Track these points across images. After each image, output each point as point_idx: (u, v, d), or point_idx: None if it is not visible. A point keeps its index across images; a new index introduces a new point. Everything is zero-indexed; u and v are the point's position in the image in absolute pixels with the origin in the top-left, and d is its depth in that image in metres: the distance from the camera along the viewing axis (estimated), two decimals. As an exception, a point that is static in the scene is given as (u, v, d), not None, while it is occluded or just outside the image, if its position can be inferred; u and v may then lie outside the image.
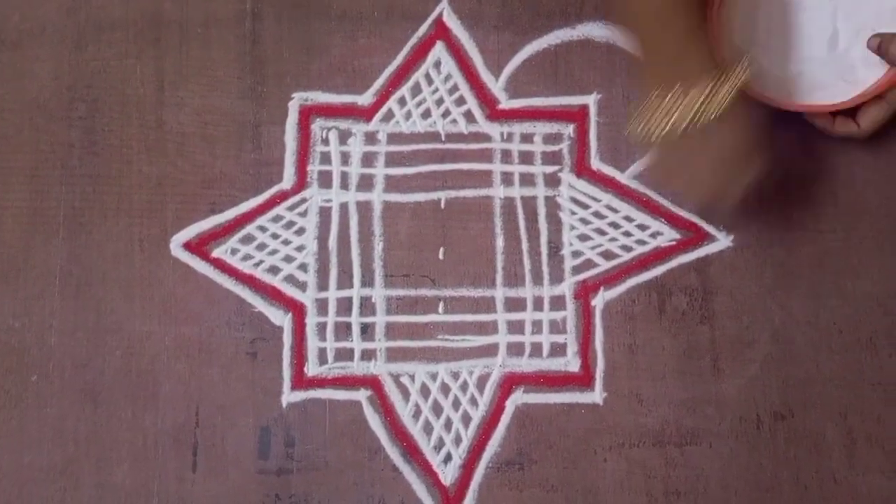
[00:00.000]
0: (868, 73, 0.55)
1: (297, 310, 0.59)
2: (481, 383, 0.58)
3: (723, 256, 0.58)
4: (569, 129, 0.60)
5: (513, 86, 0.61)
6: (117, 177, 0.60)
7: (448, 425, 0.57)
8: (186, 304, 0.58)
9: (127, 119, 0.61)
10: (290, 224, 0.60)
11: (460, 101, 0.61)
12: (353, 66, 0.61)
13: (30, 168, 0.60)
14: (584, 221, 0.59)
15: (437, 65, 0.61)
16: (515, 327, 0.58)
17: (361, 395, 0.57)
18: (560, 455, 0.56)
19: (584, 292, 0.59)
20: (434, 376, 0.58)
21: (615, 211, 0.59)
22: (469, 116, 0.61)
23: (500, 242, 0.59)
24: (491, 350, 0.58)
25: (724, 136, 0.49)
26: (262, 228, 0.60)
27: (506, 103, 0.61)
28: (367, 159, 0.60)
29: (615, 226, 0.59)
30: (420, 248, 0.59)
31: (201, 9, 0.62)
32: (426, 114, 0.61)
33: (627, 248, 0.59)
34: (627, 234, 0.59)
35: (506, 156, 0.60)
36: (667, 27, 0.49)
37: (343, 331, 0.58)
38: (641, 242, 0.59)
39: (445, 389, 0.58)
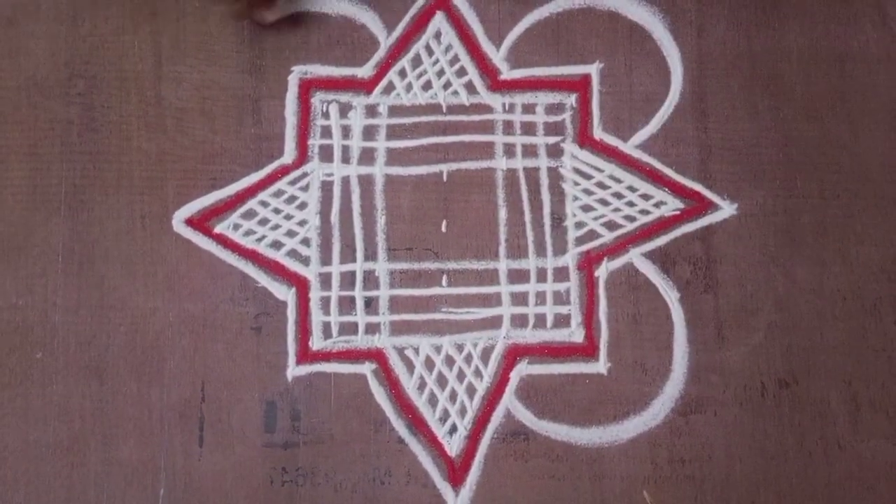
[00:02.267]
0: None
1: (301, 284, 0.58)
2: (485, 355, 0.58)
3: (726, 225, 0.58)
4: (571, 99, 0.60)
5: (514, 56, 0.60)
6: (117, 153, 0.60)
7: (453, 397, 0.57)
8: (190, 280, 0.58)
9: (125, 95, 0.60)
10: (292, 199, 0.59)
11: (461, 72, 0.60)
12: (352, 39, 0.61)
13: (29, 146, 0.60)
14: (587, 192, 0.59)
15: (438, 35, 0.61)
16: (519, 299, 0.58)
17: (366, 368, 0.57)
18: (565, 425, 0.56)
19: (588, 263, 0.58)
20: (438, 349, 0.58)
21: (618, 181, 0.59)
22: (470, 87, 0.60)
23: (502, 214, 0.59)
24: (495, 322, 0.58)
25: None
26: (264, 203, 0.59)
27: (507, 74, 0.60)
28: (369, 132, 0.60)
29: (618, 196, 0.59)
30: (423, 222, 0.59)
31: (198, -18, 0.61)
32: (427, 85, 0.60)
33: (631, 218, 0.59)
34: (631, 203, 0.59)
35: (508, 127, 0.60)
36: None
37: (347, 305, 0.58)
38: (645, 212, 0.59)
39: (450, 361, 0.58)
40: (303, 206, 0.59)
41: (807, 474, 0.55)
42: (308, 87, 0.60)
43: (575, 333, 0.58)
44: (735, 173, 0.59)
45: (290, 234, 0.59)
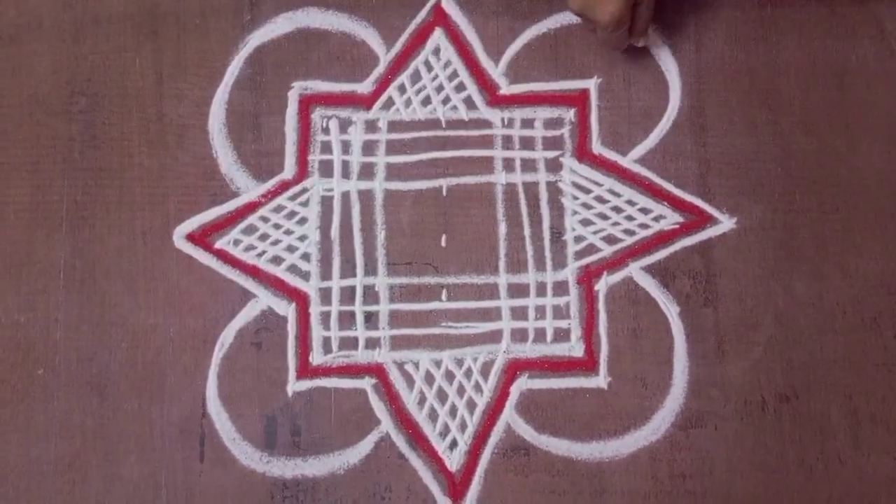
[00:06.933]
0: None
1: (301, 299, 0.59)
2: (486, 370, 0.58)
3: (726, 239, 0.58)
4: (570, 114, 0.60)
5: (513, 71, 0.61)
6: (119, 170, 0.60)
7: (453, 412, 0.57)
8: (190, 295, 0.59)
9: (127, 112, 0.61)
10: (293, 214, 0.60)
11: (460, 88, 0.61)
12: (352, 55, 0.61)
13: (31, 163, 0.60)
14: (587, 206, 0.59)
15: (437, 51, 0.61)
16: (519, 313, 0.58)
17: (366, 383, 0.58)
18: (565, 440, 0.56)
19: (588, 277, 0.59)
20: (438, 363, 0.58)
21: (617, 195, 0.59)
22: (469, 103, 0.60)
23: (502, 229, 0.59)
24: (495, 336, 0.58)
25: None
26: (265, 219, 0.60)
27: (506, 89, 0.61)
28: (368, 147, 0.60)
29: (618, 210, 0.59)
30: (422, 236, 0.59)
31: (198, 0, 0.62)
32: (426, 101, 0.61)
33: (630, 232, 0.59)
34: (630, 217, 0.59)
35: (507, 141, 0.60)
36: None
37: (347, 320, 0.59)
38: (644, 226, 0.59)
39: (450, 376, 0.58)
40: (303, 221, 0.60)
41: (807, 489, 0.55)
42: (308, 103, 0.61)
43: (575, 348, 0.58)
44: (734, 187, 0.59)
45: (291, 249, 0.59)
